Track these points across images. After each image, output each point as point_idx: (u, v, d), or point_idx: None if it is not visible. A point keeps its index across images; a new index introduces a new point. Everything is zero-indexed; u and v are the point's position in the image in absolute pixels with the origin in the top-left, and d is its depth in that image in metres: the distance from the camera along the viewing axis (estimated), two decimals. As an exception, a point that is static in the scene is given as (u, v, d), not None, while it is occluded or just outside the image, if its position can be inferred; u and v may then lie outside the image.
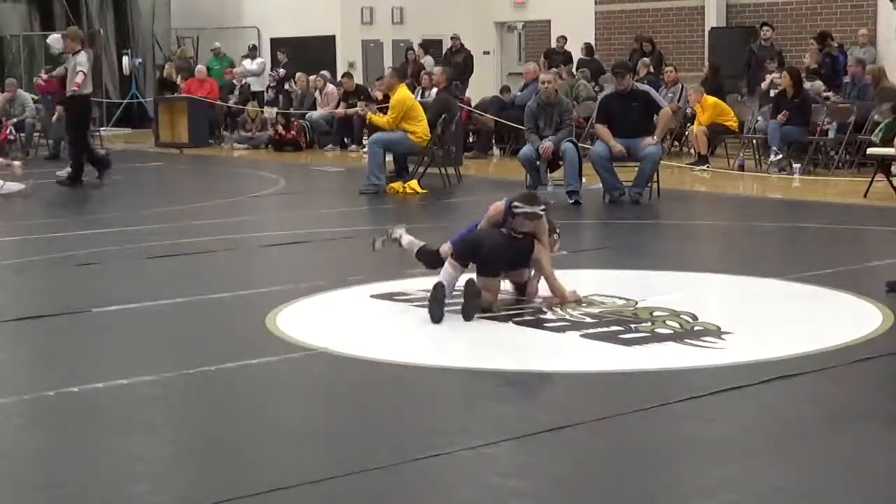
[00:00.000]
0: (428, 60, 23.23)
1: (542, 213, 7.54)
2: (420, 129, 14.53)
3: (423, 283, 8.20)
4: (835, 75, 18.35)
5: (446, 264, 7.47)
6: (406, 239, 8.20)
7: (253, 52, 25.44)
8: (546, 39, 25.67)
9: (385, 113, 15.04)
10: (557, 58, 21.90)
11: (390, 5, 26.54)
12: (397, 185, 14.31)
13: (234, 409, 5.66)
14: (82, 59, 15.72)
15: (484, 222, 7.78)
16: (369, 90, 20.48)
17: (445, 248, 7.69)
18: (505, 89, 20.30)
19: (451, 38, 23.21)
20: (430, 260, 7.91)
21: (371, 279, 8.39)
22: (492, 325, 7.16)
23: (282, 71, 23.81)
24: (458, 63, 22.60)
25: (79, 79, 15.48)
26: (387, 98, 16.47)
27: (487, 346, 6.79)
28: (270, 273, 9.37)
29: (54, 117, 19.69)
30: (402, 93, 14.61)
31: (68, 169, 15.94)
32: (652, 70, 19.67)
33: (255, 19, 27.61)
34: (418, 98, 19.90)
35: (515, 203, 7.52)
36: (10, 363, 6.66)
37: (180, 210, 13.24)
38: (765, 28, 19.59)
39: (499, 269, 7.53)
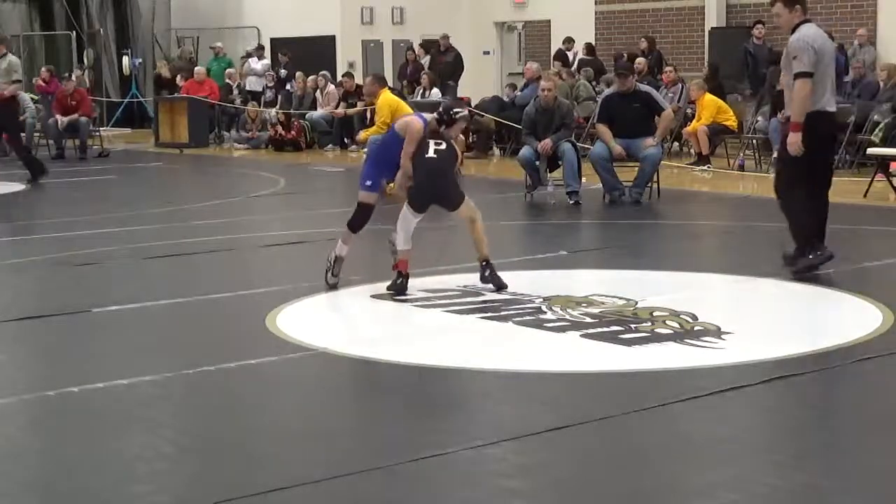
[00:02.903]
0: (428, 60, 23.24)
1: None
2: None
3: (423, 283, 8.22)
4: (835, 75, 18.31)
5: (405, 211, 8.10)
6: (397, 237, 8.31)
7: (260, 52, 25.44)
8: (546, 39, 25.66)
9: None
10: (585, 61, 21.86)
11: (390, 5, 26.52)
12: (397, 185, 14.31)
13: (234, 409, 5.66)
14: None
15: (409, 144, 8.10)
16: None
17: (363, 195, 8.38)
18: (511, 87, 20.35)
19: (441, 38, 23.20)
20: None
21: (371, 279, 8.39)
22: (492, 325, 7.17)
23: (283, 71, 23.81)
24: (448, 62, 22.60)
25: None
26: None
27: (487, 346, 6.79)
28: (270, 273, 9.37)
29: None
30: (384, 96, 14.64)
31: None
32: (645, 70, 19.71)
33: (255, 19, 27.59)
34: (417, 98, 19.96)
35: (455, 110, 8.25)
36: (10, 363, 6.66)
37: (180, 210, 13.24)
38: (758, 26, 19.57)
39: (458, 195, 8.21)
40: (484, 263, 8.14)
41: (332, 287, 8.20)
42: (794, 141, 8.27)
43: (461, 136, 8.90)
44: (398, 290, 7.94)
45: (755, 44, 19.23)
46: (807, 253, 8.42)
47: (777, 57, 18.51)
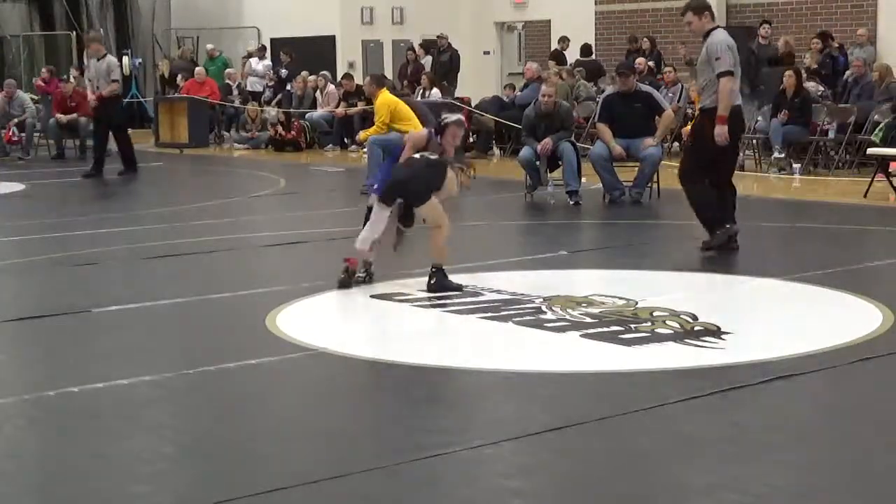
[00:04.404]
0: (428, 60, 23.25)
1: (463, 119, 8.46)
2: (412, 127, 14.56)
3: (422, 283, 8.21)
4: (834, 75, 18.34)
5: (374, 206, 8.18)
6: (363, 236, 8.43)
7: (261, 52, 25.44)
8: (546, 39, 25.67)
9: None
10: (581, 61, 21.87)
11: (390, 5, 26.54)
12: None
13: (234, 409, 5.66)
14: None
15: (408, 150, 8.39)
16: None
17: (373, 199, 8.41)
18: (510, 87, 20.38)
19: (438, 38, 23.22)
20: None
21: (371, 279, 8.39)
22: (492, 325, 7.16)
23: (284, 71, 23.82)
24: (444, 62, 22.63)
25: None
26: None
27: (487, 346, 6.79)
28: (270, 273, 9.37)
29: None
30: (383, 97, 14.66)
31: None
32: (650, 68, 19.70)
33: (255, 20, 27.61)
34: (418, 98, 19.95)
35: (444, 116, 8.40)
36: (10, 363, 6.66)
37: (180, 210, 13.24)
38: (764, 26, 19.58)
39: (426, 195, 8.09)
40: (433, 270, 8.08)
41: (360, 282, 8.33)
42: (722, 132, 9.34)
43: (461, 172, 8.75)
44: (341, 285, 8.12)
45: (760, 44, 19.23)
46: (715, 231, 9.55)
47: (777, 57, 18.56)
